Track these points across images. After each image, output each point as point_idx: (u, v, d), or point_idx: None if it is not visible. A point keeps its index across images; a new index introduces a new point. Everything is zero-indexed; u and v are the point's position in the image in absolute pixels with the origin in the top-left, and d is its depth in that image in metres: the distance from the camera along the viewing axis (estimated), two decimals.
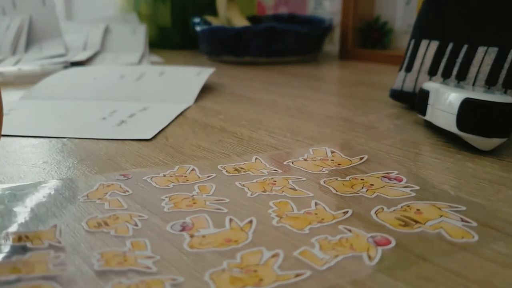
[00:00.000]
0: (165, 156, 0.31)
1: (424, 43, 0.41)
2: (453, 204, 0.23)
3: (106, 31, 0.81)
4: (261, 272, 0.17)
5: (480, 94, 0.30)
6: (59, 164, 0.29)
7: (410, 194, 0.24)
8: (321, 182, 0.26)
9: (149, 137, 0.34)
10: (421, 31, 0.42)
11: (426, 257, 0.19)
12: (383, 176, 0.27)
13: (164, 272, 0.17)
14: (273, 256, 0.18)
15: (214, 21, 0.80)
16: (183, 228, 0.21)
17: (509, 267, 0.18)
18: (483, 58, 0.36)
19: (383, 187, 0.25)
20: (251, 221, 0.21)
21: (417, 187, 0.25)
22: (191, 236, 0.20)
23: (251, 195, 0.24)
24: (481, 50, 0.37)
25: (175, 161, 0.30)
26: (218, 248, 0.19)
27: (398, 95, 0.43)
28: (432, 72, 0.40)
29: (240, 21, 0.79)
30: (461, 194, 0.24)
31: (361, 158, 0.29)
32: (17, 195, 0.25)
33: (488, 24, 0.37)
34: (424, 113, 0.35)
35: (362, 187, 0.25)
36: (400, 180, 0.26)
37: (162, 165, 0.29)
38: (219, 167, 0.28)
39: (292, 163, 0.29)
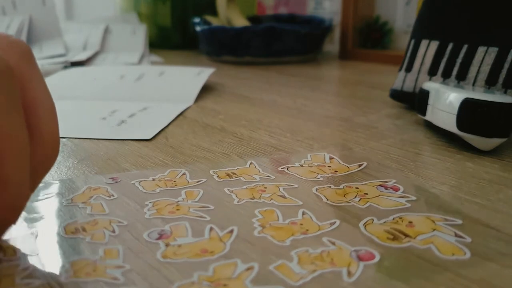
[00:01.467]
0: (165, 156, 0.31)
1: (424, 43, 0.41)
2: (449, 217, 0.22)
3: (106, 31, 0.81)
4: (231, 286, 0.17)
5: (480, 94, 0.30)
6: (59, 164, 0.29)
7: (405, 205, 0.23)
8: (313, 190, 0.25)
9: (149, 137, 0.34)
10: (421, 31, 0.42)
11: (425, 258, 0.18)
12: (380, 185, 0.25)
13: (130, 284, 0.17)
14: (248, 269, 0.18)
15: (214, 21, 0.80)
16: (160, 236, 0.20)
17: (509, 267, 0.18)
18: (483, 58, 0.36)
19: (377, 196, 0.24)
20: (231, 231, 0.21)
21: (414, 198, 0.24)
22: (167, 245, 0.19)
23: (237, 202, 0.23)
24: (481, 50, 0.37)
25: (175, 161, 0.30)
26: (191, 259, 0.18)
27: (398, 95, 0.43)
28: (432, 72, 0.40)
29: (240, 21, 0.79)
30: (461, 200, 0.24)
31: (359, 165, 0.28)
32: None
33: (488, 24, 0.37)
34: (424, 113, 0.35)
35: (355, 196, 0.24)
36: (397, 190, 0.25)
37: (162, 165, 0.29)
38: (211, 172, 0.27)
39: (287, 169, 0.28)
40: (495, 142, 0.30)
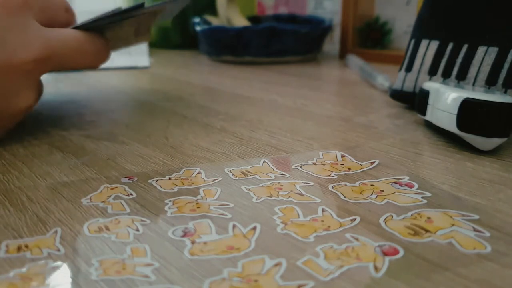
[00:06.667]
0: (165, 156, 0.31)
1: (424, 43, 0.41)
2: (465, 212, 0.22)
3: None
4: (262, 282, 0.17)
5: (480, 94, 0.30)
6: (59, 164, 0.29)
7: (422, 201, 0.23)
8: (330, 187, 0.25)
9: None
10: (421, 31, 0.42)
11: (427, 258, 0.19)
12: (394, 182, 0.26)
13: (162, 281, 0.17)
14: (276, 265, 0.18)
15: (214, 21, 0.80)
16: (185, 234, 0.20)
17: (509, 267, 0.18)
18: (483, 58, 0.36)
19: (393, 193, 0.24)
20: (254, 228, 0.21)
21: (429, 194, 0.24)
22: (193, 242, 0.20)
23: (256, 200, 0.24)
24: (481, 50, 0.37)
25: (175, 161, 0.30)
26: (219, 255, 0.19)
27: (398, 95, 0.43)
28: (432, 72, 0.40)
29: (240, 21, 0.79)
30: (475, 200, 0.24)
31: (372, 163, 0.29)
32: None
33: (488, 24, 0.37)
34: (424, 113, 0.35)
35: (372, 193, 0.24)
36: (412, 186, 0.25)
37: (163, 165, 0.29)
38: (226, 170, 0.28)
39: (301, 167, 0.28)
40: (495, 142, 0.30)
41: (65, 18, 0.34)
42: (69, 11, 0.35)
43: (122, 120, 0.41)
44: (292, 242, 0.20)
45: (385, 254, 0.19)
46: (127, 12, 0.34)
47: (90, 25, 0.34)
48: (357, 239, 0.20)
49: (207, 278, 0.17)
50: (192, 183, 0.26)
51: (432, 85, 0.35)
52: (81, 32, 0.33)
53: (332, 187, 0.25)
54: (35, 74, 0.31)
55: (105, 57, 0.35)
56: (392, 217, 0.22)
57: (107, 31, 0.35)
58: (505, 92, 0.35)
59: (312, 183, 0.26)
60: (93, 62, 0.34)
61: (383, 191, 0.25)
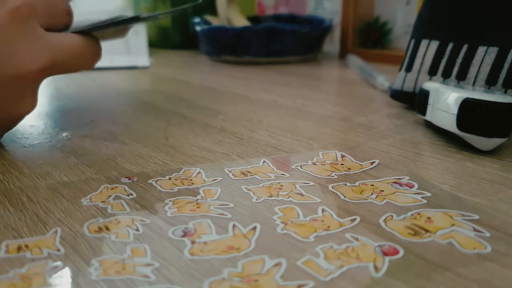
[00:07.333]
0: (165, 156, 0.31)
1: (424, 43, 0.41)
2: (465, 212, 0.22)
3: None
4: (262, 282, 0.17)
5: (480, 94, 0.30)
6: (59, 164, 0.29)
7: (422, 201, 0.23)
8: (330, 187, 0.25)
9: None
10: (421, 31, 0.42)
11: (427, 258, 0.18)
12: (394, 182, 0.26)
13: (162, 281, 0.17)
14: (276, 265, 0.18)
15: (214, 21, 0.80)
16: (185, 234, 0.20)
17: (509, 267, 0.18)
18: (483, 58, 0.36)
19: (393, 193, 0.24)
20: (254, 228, 0.21)
21: (429, 194, 0.24)
22: (193, 242, 0.20)
23: (256, 200, 0.24)
24: (481, 50, 0.37)
25: (175, 161, 0.30)
26: (219, 255, 0.19)
27: (398, 95, 0.43)
28: (432, 72, 0.40)
29: (240, 21, 0.79)
30: (475, 200, 0.24)
31: (372, 163, 0.29)
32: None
33: (488, 24, 0.37)
34: (424, 113, 0.35)
35: (372, 193, 0.24)
36: (412, 186, 0.25)
37: (163, 165, 0.29)
38: (226, 170, 0.28)
39: (301, 167, 0.28)
40: (495, 142, 0.30)
41: (65, 21, 0.34)
42: (69, 14, 0.35)
43: (122, 120, 0.41)
44: (292, 242, 0.20)
45: (385, 254, 0.19)
46: (122, 22, 0.34)
47: (88, 30, 0.34)
48: (357, 239, 0.20)
49: (207, 278, 0.17)
50: (192, 183, 0.26)
51: (432, 85, 0.35)
52: (80, 37, 0.33)
53: (332, 187, 0.25)
54: (39, 81, 0.31)
55: (99, 58, 0.36)
56: (392, 217, 0.22)
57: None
58: (505, 92, 0.35)
59: (312, 183, 0.26)
60: (89, 65, 0.35)
61: (383, 191, 0.25)
